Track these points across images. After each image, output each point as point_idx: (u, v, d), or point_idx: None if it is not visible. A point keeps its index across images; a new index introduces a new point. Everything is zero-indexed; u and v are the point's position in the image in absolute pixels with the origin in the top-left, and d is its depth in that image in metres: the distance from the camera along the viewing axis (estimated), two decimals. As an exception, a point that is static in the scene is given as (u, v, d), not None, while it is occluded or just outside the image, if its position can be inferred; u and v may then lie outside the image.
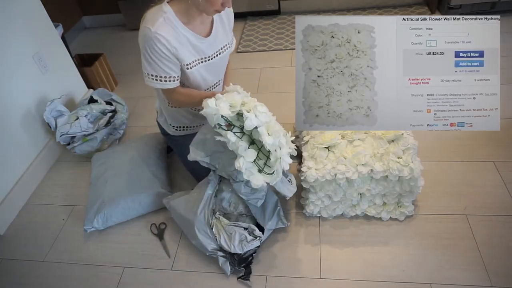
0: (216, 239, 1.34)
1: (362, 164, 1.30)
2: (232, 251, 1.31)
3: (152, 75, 1.24)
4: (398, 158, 1.30)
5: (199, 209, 1.36)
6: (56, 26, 2.07)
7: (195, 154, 1.32)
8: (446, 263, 1.28)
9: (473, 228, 1.37)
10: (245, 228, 1.34)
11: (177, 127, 1.56)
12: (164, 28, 1.16)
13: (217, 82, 1.45)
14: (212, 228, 1.35)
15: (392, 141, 1.36)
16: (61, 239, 1.58)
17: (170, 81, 1.26)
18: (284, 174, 1.34)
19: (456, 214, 1.43)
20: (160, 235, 1.52)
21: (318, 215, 1.48)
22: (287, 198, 1.37)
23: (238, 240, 1.31)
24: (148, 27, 1.14)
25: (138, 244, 1.50)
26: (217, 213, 1.39)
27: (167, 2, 1.20)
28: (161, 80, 1.25)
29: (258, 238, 1.32)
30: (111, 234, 1.55)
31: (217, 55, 1.36)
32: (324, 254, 1.37)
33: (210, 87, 1.43)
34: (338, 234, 1.43)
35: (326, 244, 1.40)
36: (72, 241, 1.56)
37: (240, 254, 1.33)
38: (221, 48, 1.37)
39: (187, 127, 1.57)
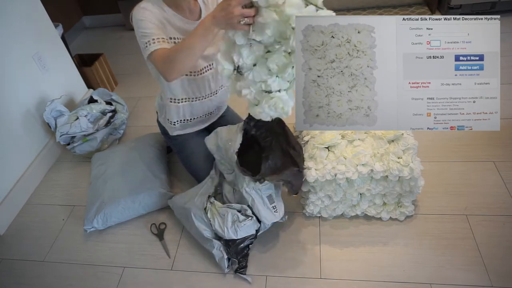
0: (211, 224, 1.35)
1: (362, 164, 1.30)
2: (226, 236, 1.31)
3: (146, 42, 1.21)
4: (398, 158, 1.30)
5: (196, 197, 1.41)
6: (56, 26, 2.07)
7: (209, 143, 1.44)
8: (446, 263, 1.28)
9: (473, 228, 1.37)
10: (239, 211, 1.36)
11: (176, 121, 1.54)
12: (151, 6, 1.25)
13: (207, 66, 1.42)
14: (207, 213, 1.37)
15: (392, 141, 1.36)
16: (61, 239, 1.58)
17: (160, 41, 1.21)
18: (271, 199, 1.34)
19: (456, 214, 1.43)
20: (160, 235, 1.52)
21: (318, 215, 1.48)
22: (268, 225, 1.38)
23: (231, 221, 1.32)
24: (137, 5, 1.24)
25: (138, 244, 1.50)
26: (212, 198, 1.41)
27: None
28: (154, 43, 1.21)
29: (250, 218, 1.33)
30: (111, 234, 1.55)
31: None
32: (324, 254, 1.37)
33: (201, 70, 1.40)
34: (338, 234, 1.43)
35: (326, 244, 1.40)
36: (72, 241, 1.56)
37: (235, 241, 1.33)
38: None
39: (186, 120, 1.55)
